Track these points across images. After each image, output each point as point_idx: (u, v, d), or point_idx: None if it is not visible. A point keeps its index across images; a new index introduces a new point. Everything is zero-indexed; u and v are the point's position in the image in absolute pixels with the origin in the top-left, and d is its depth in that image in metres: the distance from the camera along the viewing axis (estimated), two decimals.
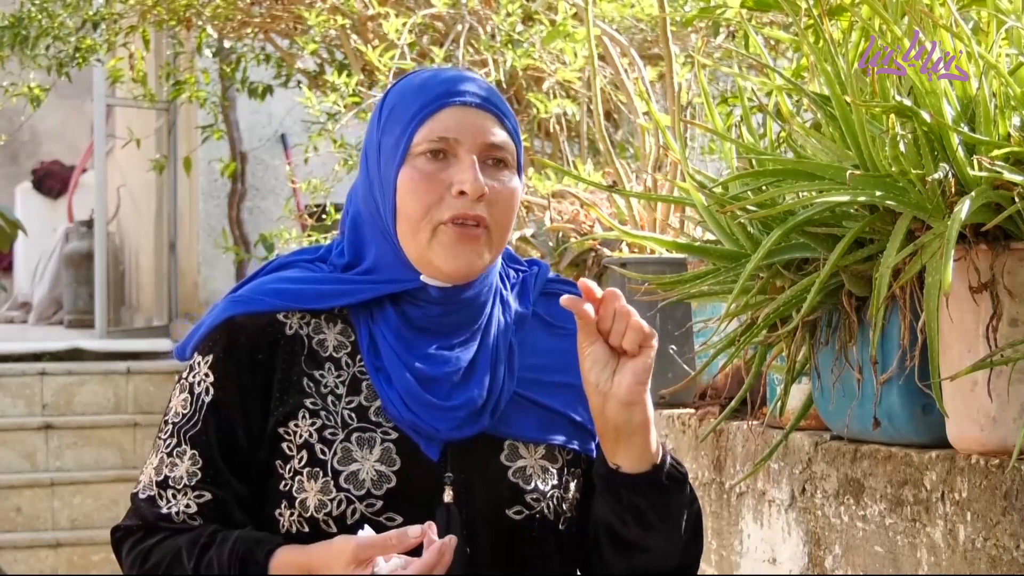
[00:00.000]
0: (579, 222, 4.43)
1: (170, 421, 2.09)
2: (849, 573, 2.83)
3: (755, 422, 3.26)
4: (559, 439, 2.11)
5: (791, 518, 3.06)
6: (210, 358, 2.08)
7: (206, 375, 2.07)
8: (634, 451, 2.03)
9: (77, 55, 6.54)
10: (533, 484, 2.08)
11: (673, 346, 3.71)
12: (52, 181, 14.84)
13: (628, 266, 3.84)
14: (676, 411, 3.72)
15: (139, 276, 12.81)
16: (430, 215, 2.04)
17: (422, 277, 2.08)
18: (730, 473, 3.36)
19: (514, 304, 2.15)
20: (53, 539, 8.80)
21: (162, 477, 2.06)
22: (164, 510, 2.05)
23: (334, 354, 2.09)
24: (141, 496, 2.07)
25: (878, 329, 2.46)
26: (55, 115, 14.81)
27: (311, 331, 2.09)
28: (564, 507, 2.11)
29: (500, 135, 2.07)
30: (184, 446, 2.06)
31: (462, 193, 2.03)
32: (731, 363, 2.87)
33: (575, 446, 2.12)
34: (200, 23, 6.34)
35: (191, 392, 2.08)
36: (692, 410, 3.66)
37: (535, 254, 4.61)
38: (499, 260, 2.14)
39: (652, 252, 3.99)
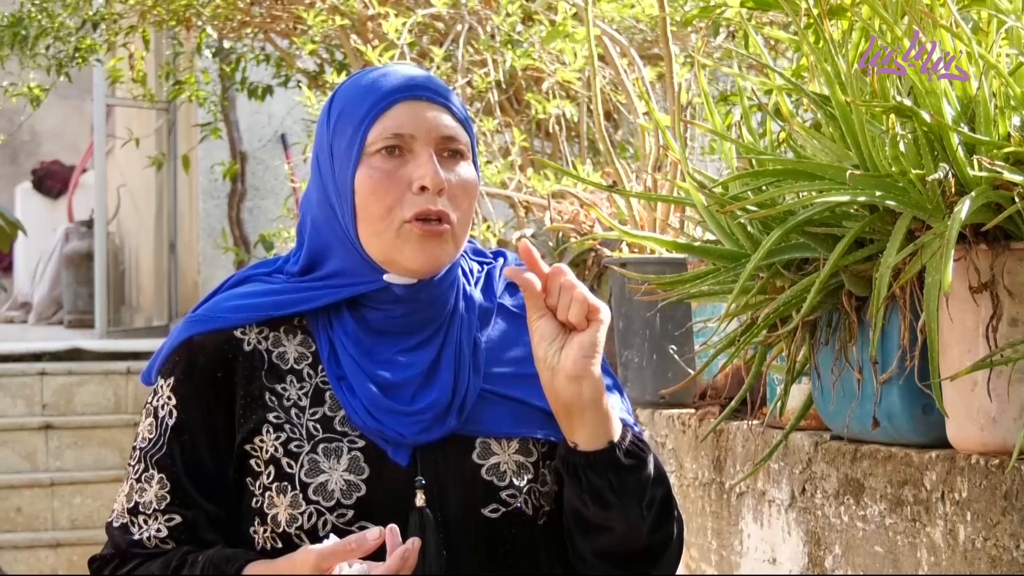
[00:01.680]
0: (579, 222, 4.43)
1: (137, 447, 2.07)
2: (849, 573, 2.83)
3: (755, 422, 3.26)
4: (532, 431, 2.08)
5: (791, 518, 3.06)
6: (171, 381, 2.06)
7: (168, 398, 2.06)
8: (588, 428, 2.00)
9: (77, 55, 6.54)
10: (508, 480, 2.05)
11: (673, 346, 3.71)
12: (52, 181, 14.84)
13: (628, 266, 3.84)
14: (676, 411, 3.72)
15: (139, 276, 12.81)
16: (392, 214, 2.02)
17: (386, 277, 2.05)
18: (730, 473, 3.36)
19: (478, 299, 2.12)
20: (53, 539, 8.80)
21: (132, 504, 2.05)
22: (136, 536, 2.04)
23: (295, 366, 2.07)
24: (115, 525, 2.06)
25: (878, 329, 2.46)
26: (55, 115, 14.81)
27: (270, 345, 2.07)
28: (542, 501, 2.08)
29: (453, 126, 2.05)
30: (152, 471, 2.05)
31: (423, 189, 2.01)
32: (731, 363, 2.86)
33: (550, 436, 2.08)
34: (200, 23, 6.34)
35: (155, 416, 2.07)
36: (692, 410, 3.66)
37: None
38: (461, 254, 2.11)
39: (652, 252, 3.99)
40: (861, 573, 2.78)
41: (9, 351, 9.69)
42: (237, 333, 2.06)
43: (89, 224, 12.03)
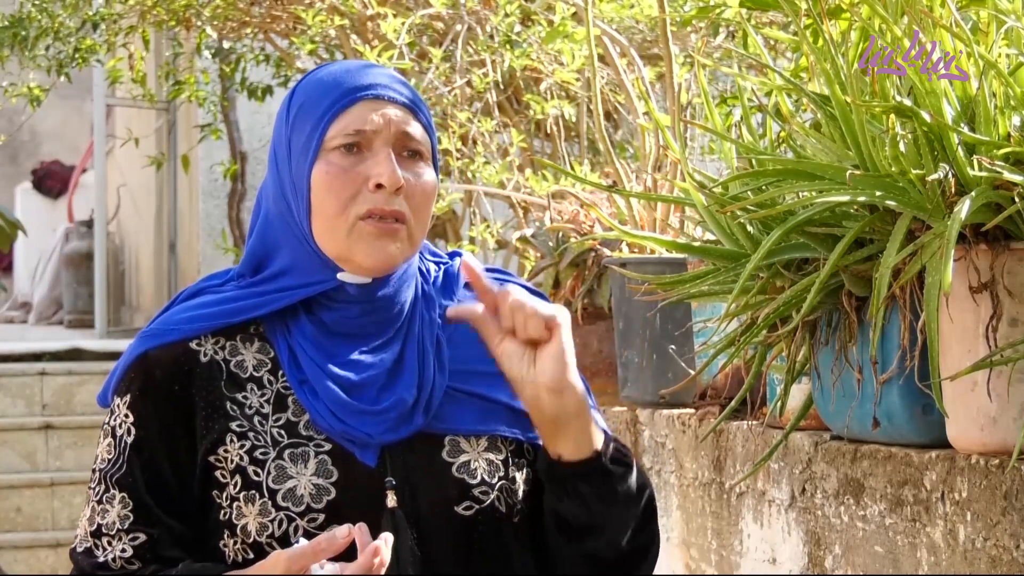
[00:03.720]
0: (579, 222, 4.43)
1: (97, 469, 2.03)
2: (849, 573, 2.83)
3: (755, 422, 3.27)
4: (500, 429, 2.06)
5: (791, 518, 3.07)
6: (128, 398, 2.02)
7: (126, 416, 2.02)
8: (572, 438, 1.99)
9: (77, 55, 6.54)
10: (479, 478, 2.03)
11: (673, 346, 3.71)
12: (52, 181, 14.85)
13: (628, 266, 3.84)
14: (676, 411, 3.72)
15: (139, 276, 12.82)
16: (347, 211, 1.99)
17: (340, 275, 2.02)
18: (730, 473, 3.36)
19: (438, 298, 2.10)
20: (53, 539, 8.80)
21: (95, 527, 2.00)
22: (101, 559, 1.99)
23: (255, 373, 2.03)
24: (78, 550, 2.02)
25: (878, 329, 2.46)
26: (55, 115, 14.82)
27: (227, 355, 2.03)
28: (514, 499, 2.06)
29: (415, 127, 2.03)
30: (113, 491, 2.00)
31: (379, 187, 1.98)
32: (731, 363, 2.87)
33: (518, 435, 2.07)
34: (200, 23, 6.34)
35: (114, 436, 2.02)
36: (692, 410, 3.66)
37: (535, 254, 4.62)
38: (417, 255, 2.09)
39: (652, 252, 3.99)
40: (861, 573, 2.78)
41: (9, 351, 9.70)
42: (193, 345, 2.03)
43: (89, 224, 12.03)
